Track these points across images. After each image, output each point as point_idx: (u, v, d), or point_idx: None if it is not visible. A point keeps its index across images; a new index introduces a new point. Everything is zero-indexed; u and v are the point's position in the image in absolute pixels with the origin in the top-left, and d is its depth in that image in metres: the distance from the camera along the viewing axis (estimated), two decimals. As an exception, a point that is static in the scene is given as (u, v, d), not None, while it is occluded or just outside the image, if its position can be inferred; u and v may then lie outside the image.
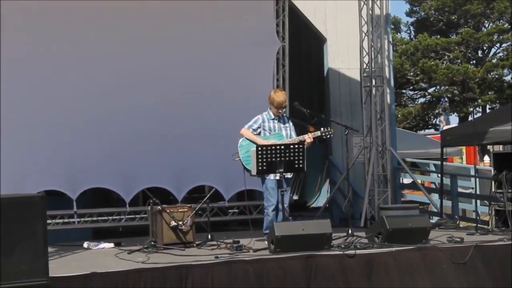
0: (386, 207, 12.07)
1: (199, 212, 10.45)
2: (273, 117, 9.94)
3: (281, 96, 9.99)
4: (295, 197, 16.03)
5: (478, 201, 14.89)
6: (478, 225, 11.46)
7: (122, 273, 7.51)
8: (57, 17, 10.92)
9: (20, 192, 8.93)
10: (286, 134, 9.92)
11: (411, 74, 40.59)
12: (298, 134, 9.96)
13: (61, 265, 8.05)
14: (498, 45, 41.78)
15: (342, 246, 8.79)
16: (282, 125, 9.97)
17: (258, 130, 9.89)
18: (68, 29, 11.01)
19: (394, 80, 16.47)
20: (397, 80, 35.94)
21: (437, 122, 41.30)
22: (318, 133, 9.87)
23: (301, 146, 9.29)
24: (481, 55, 41.97)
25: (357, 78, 14.19)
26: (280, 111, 9.92)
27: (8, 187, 9.33)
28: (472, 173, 18.08)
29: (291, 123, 10.07)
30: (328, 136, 10.00)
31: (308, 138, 9.73)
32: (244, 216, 12.55)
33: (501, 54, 41.78)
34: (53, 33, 10.93)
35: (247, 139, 9.83)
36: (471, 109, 37.90)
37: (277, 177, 9.54)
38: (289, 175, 9.91)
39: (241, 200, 12.79)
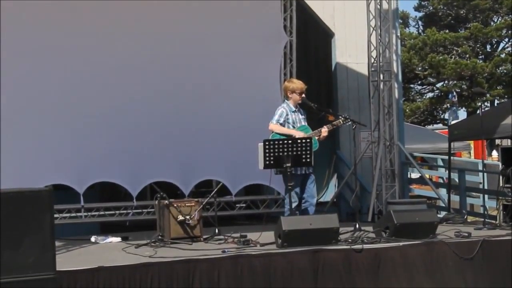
0: (394, 202, 12.08)
1: (207, 206, 10.46)
2: (293, 109, 9.97)
3: (297, 81, 10.16)
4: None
5: (486, 196, 14.87)
6: (486, 220, 11.44)
7: (129, 267, 7.51)
8: (62, 10, 10.89)
9: (27, 186, 8.93)
10: (307, 125, 9.96)
11: (419, 68, 40.48)
12: (312, 125, 10.01)
13: (69, 259, 8.07)
14: (506, 40, 41.64)
15: (350, 240, 8.77)
16: (301, 117, 10.00)
17: (284, 124, 9.88)
18: (74, 22, 10.98)
19: (402, 74, 16.44)
20: (405, 75, 35.84)
21: (446, 117, 41.22)
22: (340, 122, 9.91)
23: (308, 140, 9.30)
24: (489, 50, 41.84)
25: (365, 72, 14.17)
26: (303, 96, 9.93)
27: (15, 181, 9.33)
28: (480, 168, 18.04)
29: (306, 115, 10.12)
30: (348, 123, 10.02)
31: (324, 131, 9.77)
32: (251, 211, 12.56)
33: (509, 49, 41.67)
34: (56, 26, 10.91)
35: (278, 133, 9.79)
36: (480, 104, 37.76)
37: (302, 171, 9.63)
38: (310, 170, 9.87)
39: (248, 195, 12.80)
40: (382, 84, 13.66)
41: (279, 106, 10.04)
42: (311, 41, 15.78)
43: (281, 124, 9.84)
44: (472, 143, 25.32)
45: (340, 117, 10.04)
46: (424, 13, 44.04)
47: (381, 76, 13.65)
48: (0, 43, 10.29)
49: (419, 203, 11.71)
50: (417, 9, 44.13)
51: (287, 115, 9.90)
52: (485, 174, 16.40)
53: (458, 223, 11.06)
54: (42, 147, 10.78)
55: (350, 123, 10.01)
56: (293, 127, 9.88)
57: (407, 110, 38.88)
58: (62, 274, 6.89)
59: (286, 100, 10.09)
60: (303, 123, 9.98)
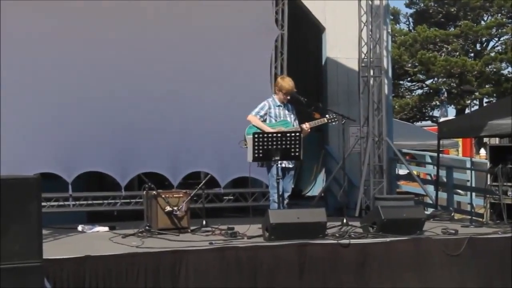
0: (381, 198, 12.10)
1: (194, 198, 10.46)
2: (278, 103, 9.97)
3: (290, 82, 10.08)
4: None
5: (473, 194, 14.91)
6: (473, 217, 11.48)
7: (116, 257, 7.52)
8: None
9: (16, 174, 8.90)
10: (290, 121, 9.95)
11: (409, 65, 40.60)
12: (302, 120, 9.98)
13: (55, 248, 8.05)
14: (496, 38, 41.79)
15: (337, 235, 8.79)
16: (287, 112, 9.99)
17: (265, 117, 9.89)
18: (69, 11, 10.93)
19: (392, 71, 16.41)
20: (395, 71, 35.90)
21: (436, 114, 41.37)
22: (324, 120, 9.91)
23: (297, 134, 9.29)
24: (479, 48, 41.98)
25: (355, 68, 14.16)
26: (288, 97, 9.94)
27: (3, 169, 9.31)
28: (468, 165, 18.08)
29: (294, 111, 10.10)
30: (334, 123, 10.03)
31: (305, 128, 9.76)
32: (240, 203, 12.56)
33: (499, 47, 41.82)
34: (54, 13, 10.86)
35: (254, 126, 9.80)
36: (469, 101, 37.92)
37: (282, 165, 9.60)
38: (291, 165, 9.90)
39: (236, 187, 12.79)
40: (372, 80, 13.66)
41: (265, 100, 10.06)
42: (301, 35, 15.76)
43: (261, 116, 9.86)
44: (460, 140, 25.40)
45: (326, 116, 10.00)
46: (415, 10, 44.16)
47: (371, 71, 13.65)
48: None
49: (407, 200, 11.73)
50: (408, 5, 44.27)
51: (269, 108, 9.91)
52: (473, 172, 16.45)
53: (445, 220, 11.10)
54: (31, 135, 10.73)
55: (335, 123, 10.03)
56: (275, 121, 9.90)
57: (396, 106, 39.00)
58: (48, 262, 6.88)
59: (273, 94, 10.10)
60: (287, 118, 9.96)
